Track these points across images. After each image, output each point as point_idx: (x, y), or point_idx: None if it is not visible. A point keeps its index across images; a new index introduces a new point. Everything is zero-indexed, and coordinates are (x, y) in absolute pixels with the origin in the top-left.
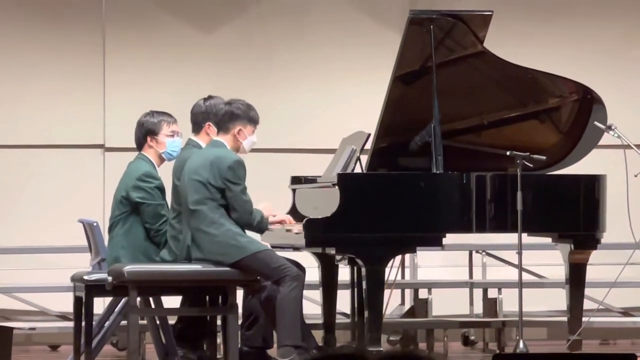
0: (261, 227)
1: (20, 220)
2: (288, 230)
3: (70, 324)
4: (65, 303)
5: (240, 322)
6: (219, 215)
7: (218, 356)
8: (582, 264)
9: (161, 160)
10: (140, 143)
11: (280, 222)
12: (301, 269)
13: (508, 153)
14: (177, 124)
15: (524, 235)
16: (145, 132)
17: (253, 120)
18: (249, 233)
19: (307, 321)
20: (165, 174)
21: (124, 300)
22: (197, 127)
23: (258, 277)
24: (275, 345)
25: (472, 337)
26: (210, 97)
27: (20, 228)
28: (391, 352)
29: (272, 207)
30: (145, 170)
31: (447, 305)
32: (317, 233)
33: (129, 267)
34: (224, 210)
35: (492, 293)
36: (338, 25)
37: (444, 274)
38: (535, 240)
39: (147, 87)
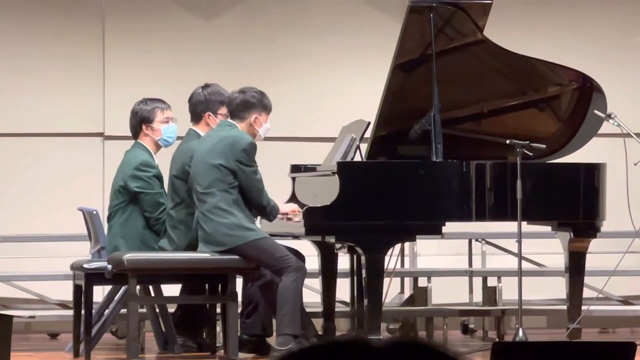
0: (272, 212)
1: (20, 208)
2: (288, 219)
3: (70, 312)
4: (64, 291)
5: (239, 310)
6: (227, 201)
7: (217, 344)
8: (582, 253)
9: (157, 147)
10: (136, 131)
11: (286, 214)
12: (301, 257)
13: (508, 141)
14: (171, 109)
15: (524, 224)
16: (140, 120)
17: (267, 108)
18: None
19: (307, 309)
20: (163, 161)
21: (123, 288)
22: (196, 117)
23: (258, 266)
24: (274, 334)
25: (472, 326)
26: (207, 86)
27: (20, 216)
28: (395, 339)
29: (297, 211)
30: (143, 159)
31: (447, 293)
32: (317, 221)
33: (128, 255)
34: (233, 197)
35: (492, 281)
36: (338, 13)
37: (444, 262)
38: (535, 228)
39: (147, 75)
